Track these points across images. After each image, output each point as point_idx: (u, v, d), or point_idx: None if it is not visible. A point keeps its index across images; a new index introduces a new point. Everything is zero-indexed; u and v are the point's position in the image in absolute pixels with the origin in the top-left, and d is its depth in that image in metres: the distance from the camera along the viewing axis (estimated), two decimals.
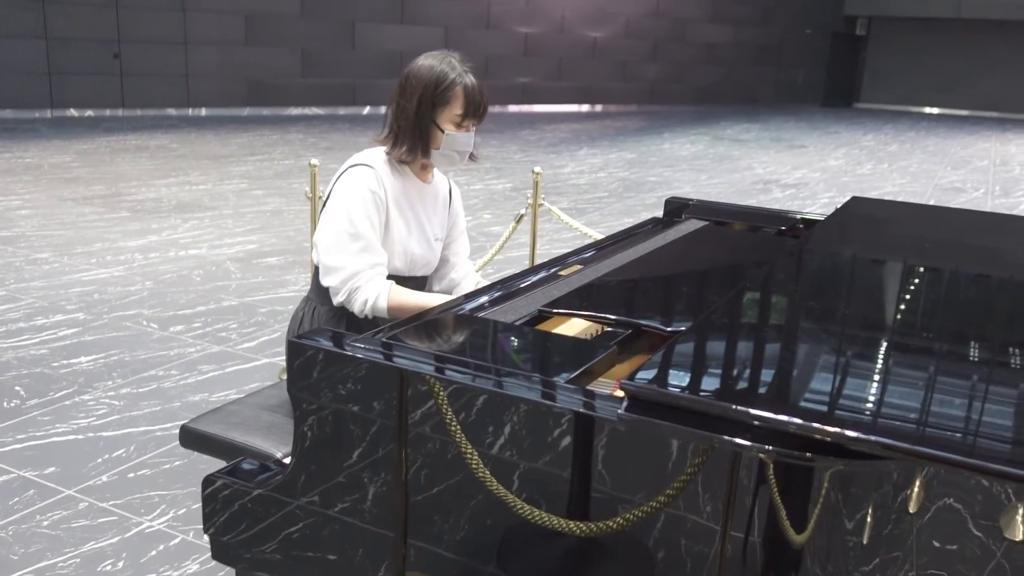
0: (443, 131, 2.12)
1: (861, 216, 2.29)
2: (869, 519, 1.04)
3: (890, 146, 15.68)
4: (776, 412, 1.05)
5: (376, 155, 2.19)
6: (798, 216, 2.50)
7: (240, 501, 1.38)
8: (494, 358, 1.33)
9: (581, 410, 1.08)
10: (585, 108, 19.46)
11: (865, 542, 1.05)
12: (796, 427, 1.02)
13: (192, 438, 2.17)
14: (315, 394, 1.28)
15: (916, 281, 1.76)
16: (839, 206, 2.36)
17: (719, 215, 2.57)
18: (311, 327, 2.23)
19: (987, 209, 9.46)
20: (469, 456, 1.18)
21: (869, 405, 1.12)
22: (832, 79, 26.11)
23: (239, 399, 2.33)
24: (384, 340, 1.32)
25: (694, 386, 1.14)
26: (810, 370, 1.24)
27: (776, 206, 9.12)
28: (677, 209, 2.59)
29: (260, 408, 2.26)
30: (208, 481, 1.42)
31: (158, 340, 4.31)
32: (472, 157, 2.23)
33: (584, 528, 1.14)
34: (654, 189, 9.58)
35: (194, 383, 3.83)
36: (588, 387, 1.26)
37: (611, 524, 1.13)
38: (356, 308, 2.11)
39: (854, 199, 2.45)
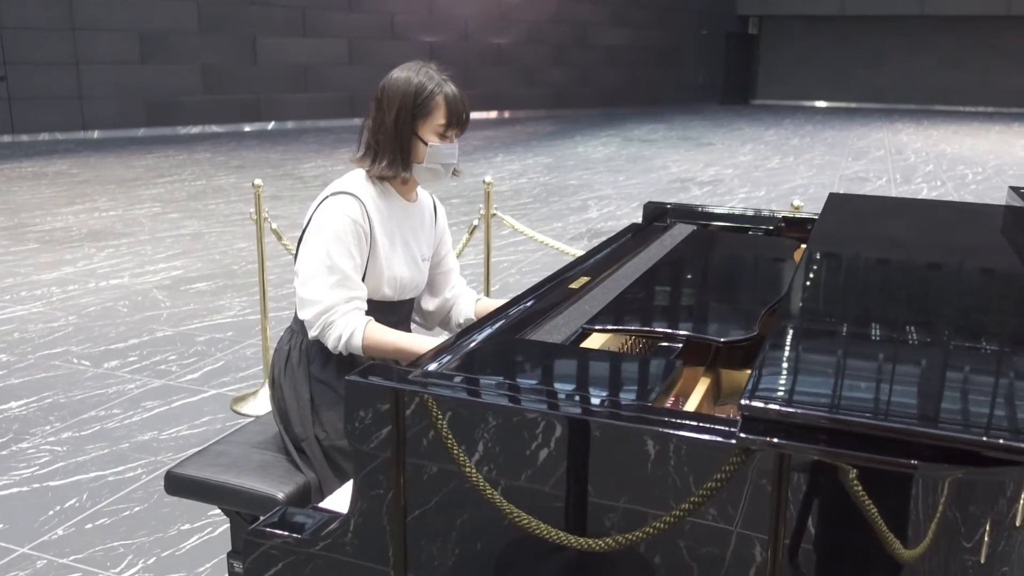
0: (426, 143, 2.03)
1: (854, 212, 2.30)
2: (986, 537, 1.01)
3: (791, 140, 16.19)
4: (926, 427, 1.01)
5: (357, 180, 2.07)
6: (779, 215, 2.50)
7: (293, 559, 1.26)
8: (572, 384, 1.25)
9: (693, 435, 1.02)
10: (493, 115, 19.48)
11: (983, 561, 1.02)
12: (968, 443, 0.98)
13: (179, 484, 2.01)
14: (381, 438, 1.18)
15: (984, 281, 1.76)
16: (825, 203, 2.37)
17: (700, 218, 2.55)
18: (299, 360, 2.10)
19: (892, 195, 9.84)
20: (534, 490, 1.11)
21: (995, 410, 1.09)
22: (729, 77, 26.86)
23: (223, 439, 2.19)
24: (450, 372, 1.22)
25: (823, 403, 1.07)
26: (917, 377, 1.19)
27: (696, 203, 9.27)
28: (658, 214, 2.56)
29: (249, 446, 2.12)
30: (251, 543, 1.29)
31: (93, 378, 4.06)
32: (455, 172, 2.15)
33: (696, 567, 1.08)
34: (577, 192, 9.62)
35: (140, 421, 3.61)
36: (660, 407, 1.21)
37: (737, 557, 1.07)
38: (330, 343, 2.00)
39: (833, 195, 2.47)
